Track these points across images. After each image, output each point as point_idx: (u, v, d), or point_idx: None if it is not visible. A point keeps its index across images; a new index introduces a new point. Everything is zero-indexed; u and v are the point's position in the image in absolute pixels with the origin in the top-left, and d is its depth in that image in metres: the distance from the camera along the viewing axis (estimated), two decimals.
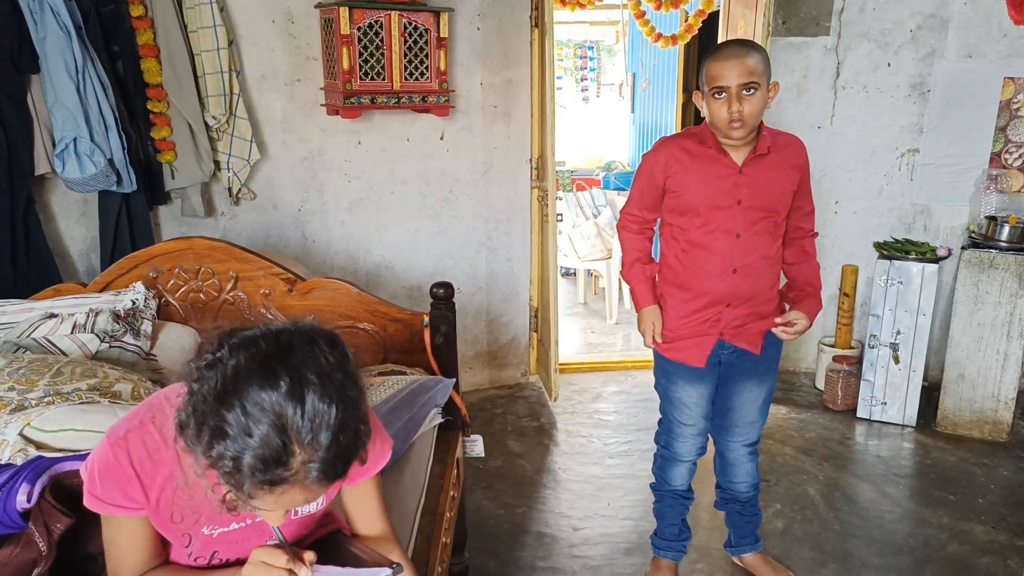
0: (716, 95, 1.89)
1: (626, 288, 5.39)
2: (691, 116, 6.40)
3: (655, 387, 2.29)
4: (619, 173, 6.65)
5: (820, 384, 3.86)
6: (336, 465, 0.96)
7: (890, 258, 3.44)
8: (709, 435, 2.29)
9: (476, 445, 2.40)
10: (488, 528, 2.70)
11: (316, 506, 1.19)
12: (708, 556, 2.53)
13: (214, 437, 0.92)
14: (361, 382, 1.02)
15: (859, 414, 3.55)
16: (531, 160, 3.76)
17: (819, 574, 2.44)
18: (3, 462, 1.37)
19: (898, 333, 3.42)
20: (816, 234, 2.18)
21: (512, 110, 3.67)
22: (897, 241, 3.62)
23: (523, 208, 3.82)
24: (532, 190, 3.80)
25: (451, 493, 2.08)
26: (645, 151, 2.20)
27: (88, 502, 1.09)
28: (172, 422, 1.02)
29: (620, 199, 5.76)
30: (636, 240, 2.19)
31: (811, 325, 2.14)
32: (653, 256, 2.22)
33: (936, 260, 3.40)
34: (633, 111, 7.95)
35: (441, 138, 3.59)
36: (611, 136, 9.51)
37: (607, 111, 10.72)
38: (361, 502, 1.26)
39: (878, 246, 3.58)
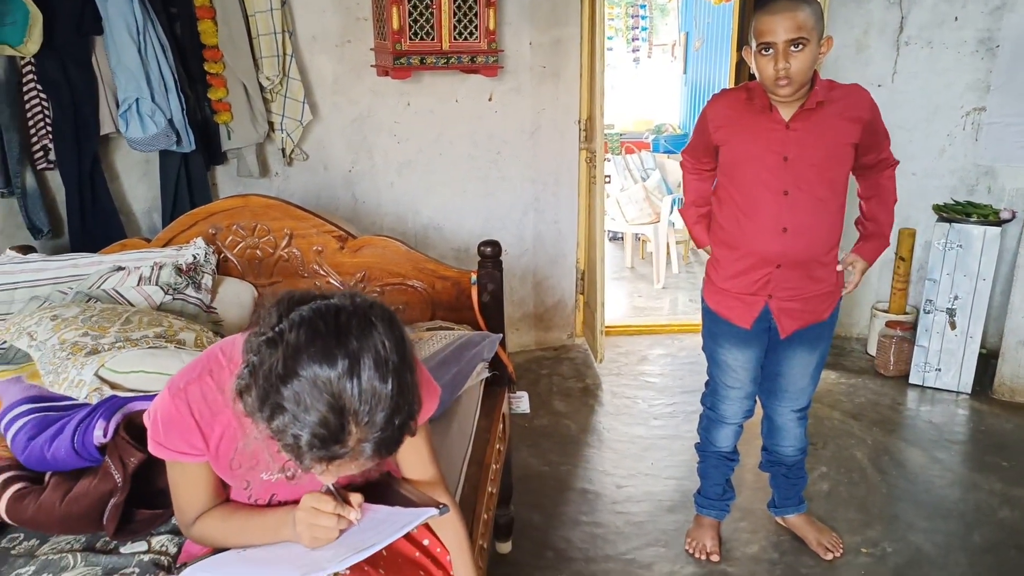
0: (763, 51, 1.85)
1: (674, 253, 5.36)
2: (745, 76, 6.23)
3: (703, 349, 2.29)
4: (669, 136, 6.54)
5: (872, 350, 3.79)
6: (389, 443, 0.99)
7: (950, 221, 3.33)
8: (757, 398, 2.28)
9: (522, 401, 2.44)
10: (533, 484, 2.76)
11: None
12: (751, 515, 2.55)
13: (274, 412, 0.96)
14: (415, 360, 1.04)
15: (911, 380, 3.49)
16: (579, 122, 3.73)
17: (864, 535, 2.43)
18: (81, 400, 1.47)
19: (955, 298, 3.33)
20: (896, 162, 2.12)
21: (561, 71, 3.64)
22: (958, 203, 3.50)
23: (571, 170, 3.80)
24: (580, 152, 3.78)
25: (497, 446, 2.13)
26: (697, 113, 2.18)
27: (152, 448, 1.15)
28: (229, 378, 1.07)
29: (670, 163, 5.68)
30: (691, 181, 2.21)
31: (869, 265, 2.11)
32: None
33: (999, 223, 3.29)
34: (685, 72, 7.78)
35: (489, 99, 3.59)
36: (662, 98, 9.33)
37: (658, 72, 10.51)
38: (410, 448, 1.31)
39: (937, 208, 3.48)
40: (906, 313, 3.71)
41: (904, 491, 2.68)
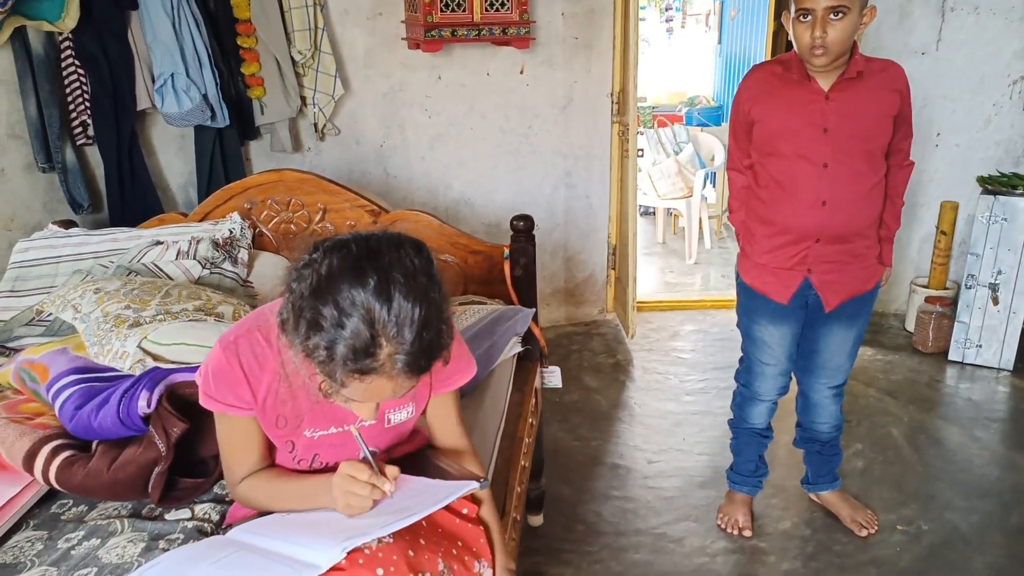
0: (801, 18, 1.79)
1: (707, 227, 5.29)
2: (782, 46, 6.08)
3: (737, 325, 2.26)
4: (703, 108, 6.43)
5: (910, 326, 3.72)
6: (420, 359, 1.02)
7: (995, 193, 3.23)
8: (792, 374, 2.26)
9: (554, 376, 2.45)
10: (563, 458, 2.77)
11: (407, 414, 1.26)
12: (783, 492, 2.53)
13: (310, 329, 1.00)
14: (444, 286, 1.08)
15: (951, 357, 3.42)
16: (612, 94, 3.68)
17: (899, 513, 2.41)
18: (124, 371, 1.51)
19: (999, 273, 3.25)
20: (911, 164, 2.06)
21: (593, 42, 3.59)
22: (1004, 175, 3.39)
23: (603, 144, 3.76)
24: (612, 125, 3.74)
25: (529, 420, 2.14)
26: (731, 84, 2.13)
27: (203, 401, 1.19)
28: (276, 327, 1.11)
29: (703, 136, 5.59)
30: (739, 179, 2.13)
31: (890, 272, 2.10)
32: None
33: None
34: (720, 42, 7.61)
35: (521, 72, 3.55)
36: (695, 70, 9.15)
37: (692, 43, 10.31)
38: (442, 416, 1.33)
39: (982, 180, 3.38)
40: (946, 288, 3.63)
41: (941, 470, 2.64)
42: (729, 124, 2.16)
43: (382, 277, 0.99)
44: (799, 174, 1.94)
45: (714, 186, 5.60)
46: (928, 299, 3.57)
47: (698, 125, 6.15)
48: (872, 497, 2.48)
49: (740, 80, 2.09)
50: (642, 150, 4.01)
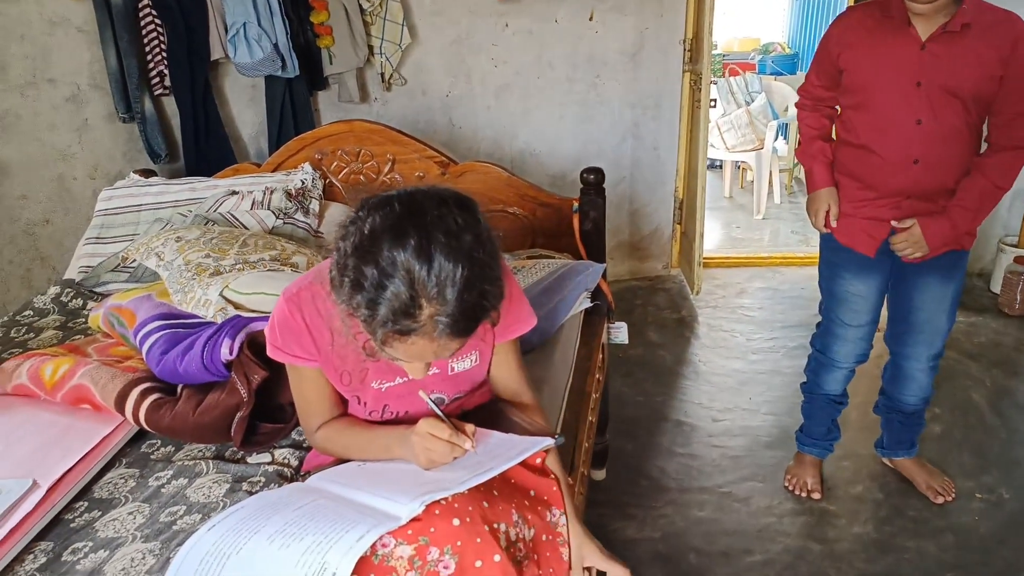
0: None
1: (777, 182, 5.11)
2: None
3: (819, 284, 2.17)
4: (777, 56, 6.15)
5: (996, 287, 3.54)
6: (461, 321, 1.00)
7: None
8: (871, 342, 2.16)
9: (620, 332, 2.42)
10: (627, 413, 2.76)
11: (470, 363, 1.25)
12: (855, 455, 2.47)
13: (353, 288, 0.99)
14: (494, 244, 1.04)
15: None
16: (684, 41, 3.54)
17: (979, 480, 2.32)
18: (207, 319, 1.55)
19: None
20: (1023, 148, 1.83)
21: None
22: None
23: (673, 93, 3.64)
24: (684, 74, 3.61)
25: (596, 376, 2.13)
26: (808, 30, 2.01)
27: (270, 352, 1.21)
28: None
29: (777, 85, 5.36)
30: (812, 117, 2.03)
31: (927, 250, 1.87)
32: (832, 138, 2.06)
33: None
34: None
35: (590, 18, 3.44)
36: (769, 15, 8.72)
37: None
38: (503, 367, 1.31)
39: None
40: None
41: None
42: (812, 64, 2.04)
43: (423, 236, 0.96)
44: (889, 130, 1.83)
45: (786, 139, 5.38)
46: (1017, 259, 3.38)
47: (772, 74, 5.90)
48: (950, 463, 2.40)
49: (830, 22, 1.97)
50: (714, 100, 3.88)
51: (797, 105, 2.10)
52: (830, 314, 2.14)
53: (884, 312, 2.14)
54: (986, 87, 1.75)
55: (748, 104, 5.17)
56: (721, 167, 5.53)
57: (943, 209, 1.87)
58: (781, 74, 5.87)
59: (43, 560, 1.17)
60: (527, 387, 1.33)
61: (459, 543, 0.99)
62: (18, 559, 1.18)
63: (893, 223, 1.90)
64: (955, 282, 2.00)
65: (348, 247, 1.00)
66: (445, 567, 0.98)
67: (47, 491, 1.26)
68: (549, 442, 1.15)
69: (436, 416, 1.14)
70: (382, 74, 3.36)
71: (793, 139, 5.22)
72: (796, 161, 5.54)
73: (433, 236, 0.97)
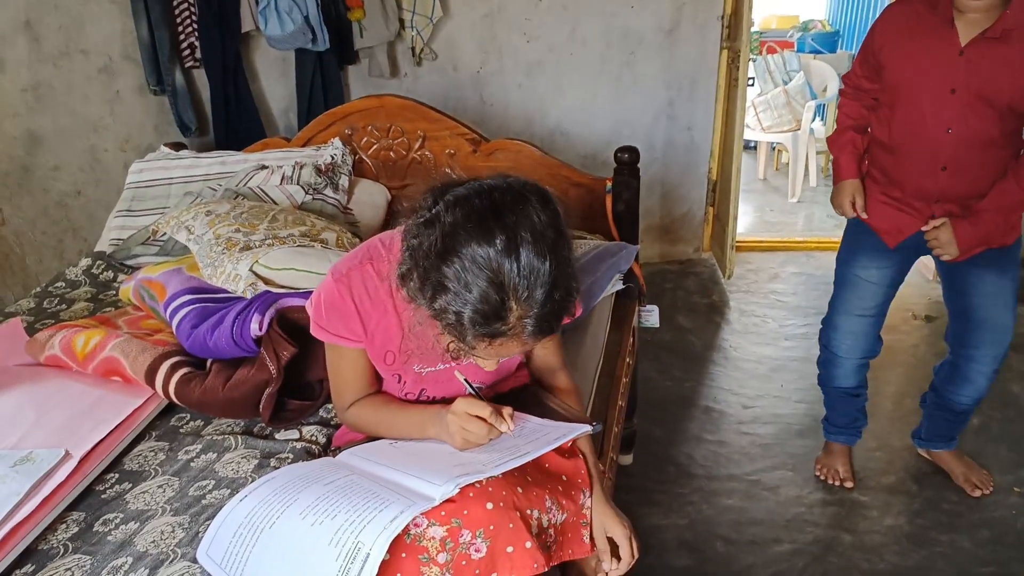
0: None
1: (813, 164, 4.99)
2: None
3: (835, 268, 2.13)
4: (817, 34, 5.96)
5: None
6: (550, 320, 0.98)
7: None
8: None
9: (652, 315, 2.38)
10: (655, 398, 2.73)
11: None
12: (888, 445, 2.42)
13: (436, 292, 0.96)
14: (571, 239, 1.02)
15: None
16: (722, 17, 3.45)
17: (1017, 475, 2.26)
18: (237, 293, 1.54)
19: None
20: None
21: None
22: None
23: (710, 72, 3.55)
24: (721, 52, 3.51)
25: (627, 360, 2.10)
26: (849, 7, 1.93)
27: (314, 331, 1.19)
28: (389, 267, 1.10)
29: (816, 64, 5.21)
30: (850, 105, 1.97)
31: (957, 252, 1.81)
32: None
33: None
34: None
35: None
36: None
37: None
38: (546, 353, 1.29)
39: None
40: None
41: None
42: (859, 48, 1.98)
43: (510, 236, 0.93)
44: (919, 134, 1.78)
45: (823, 120, 5.25)
46: None
47: (811, 52, 5.73)
48: (988, 456, 2.34)
49: (873, 10, 1.89)
50: (752, 79, 3.78)
51: (840, 92, 2.04)
52: (835, 303, 2.11)
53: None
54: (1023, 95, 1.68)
55: (785, 83, 5.04)
56: (756, 148, 5.42)
57: (975, 212, 1.81)
58: (820, 52, 5.71)
59: (75, 530, 1.18)
60: (564, 369, 1.31)
61: (492, 527, 0.97)
62: (51, 528, 1.18)
63: (923, 228, 1.86)
64: (1010, 273, 1.92)
65: (427, 247, 0.97)
66: (477, 550, 0.96)
67: (79, 462, 1.27)
68: (587, 429, 1.13)
69: (474, 396, 1.12)
70: (413, 48, 3.32)
71: (831, 121, 5.09)
72: None
73: (520, 236, 0.94)
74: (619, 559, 1.12)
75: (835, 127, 2.05)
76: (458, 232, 0.95)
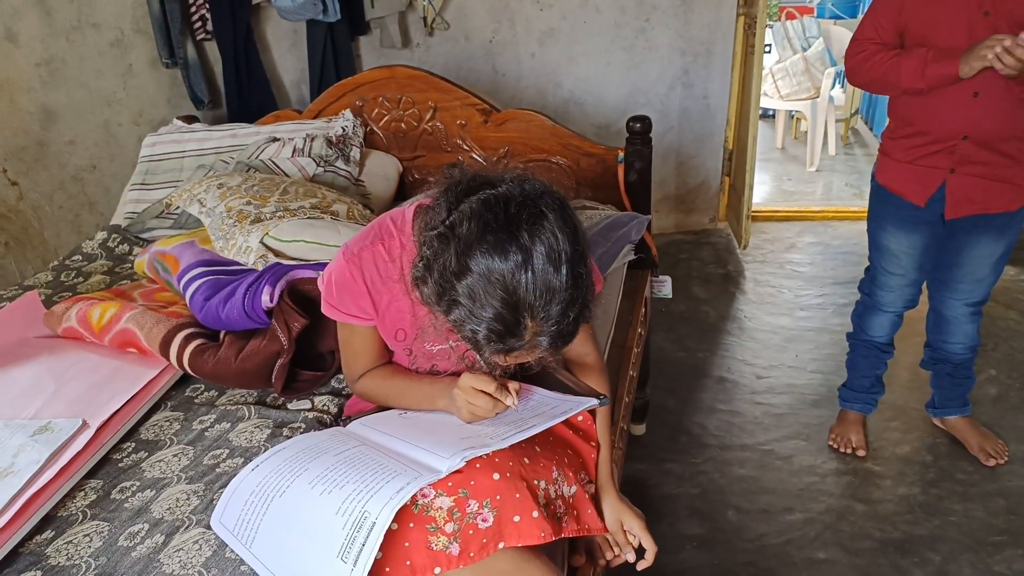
0: None
1: (832, 133, 4.90)
2: None
3: (867, 230, 2.10)
4: None
5: None
6: (565, 335, 0.98)
7: None
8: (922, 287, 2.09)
9: (664, 286, 2.38)
10: (669, 369, 2.73)
11: None
12: (904, 415, 2.41)
13: (451, 307, 0.97)
14: (587, 249, 1.00)
15: None
16: None
17: None
18: (248, 265, 1.55)
19: None
20: None
21: None
22: None
23: (726, 38, 3.49)
24: (738, 18, 3.44)
25: (639, 330, 2.10)
26: None
27: (325, 310, 1.20)
28: (399, 247, 1.12)
29: (837, 29, 5.10)
30: (876, 54, 1.81)
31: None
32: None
33: None
34: None
35: None
36: None
37: None
38: (578, 342, 1.27)
39: None
40: None
41: None
42: (864, 20, 1.89)
43: (525, 255, 0.92)
44: (954, 64, 1.71)
45: (843, 87, 5.15)
46: None
47: (831, 18, 5.61)
48: (1005, 427, 2.32)
49: None
50: (769, 46, 3.71)
51: (850, 67, 1.92)
52: (875, 263, 2.09)
53: None
54: None
55: (804, 50, 4.94)
56: (774, 116, 5.34)
57: (1008, 164, 1.78)
58: (841, 18, 5.58)
59: (93, 497, 1.21)
60: (593, 347, 1.29)
61: (498, 497, 0.98)
62: (70, 495, 1.21)
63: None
64: (1007, 240, 1.93)
65: (441, 263, 0.97)
66: (484, 520, 0.97)
67: (96, 431, 1.29)
68: (594, 402, 1.13)
69: (481, 371, 1.12)
70: (424, 18, 3.28)
71: (851, 88, 4.99)
72: (854, 111, 5.31)
73: (534, 252, 0.93)
74: (635, 552, 1.16)
75: (875, 76, 1.84)
76: (472, 249, 0.94)
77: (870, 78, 1.87)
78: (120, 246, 2.10)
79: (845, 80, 5.16)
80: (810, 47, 4.95)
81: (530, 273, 0.93)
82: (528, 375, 1.19)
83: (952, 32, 1.71)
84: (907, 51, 1.78)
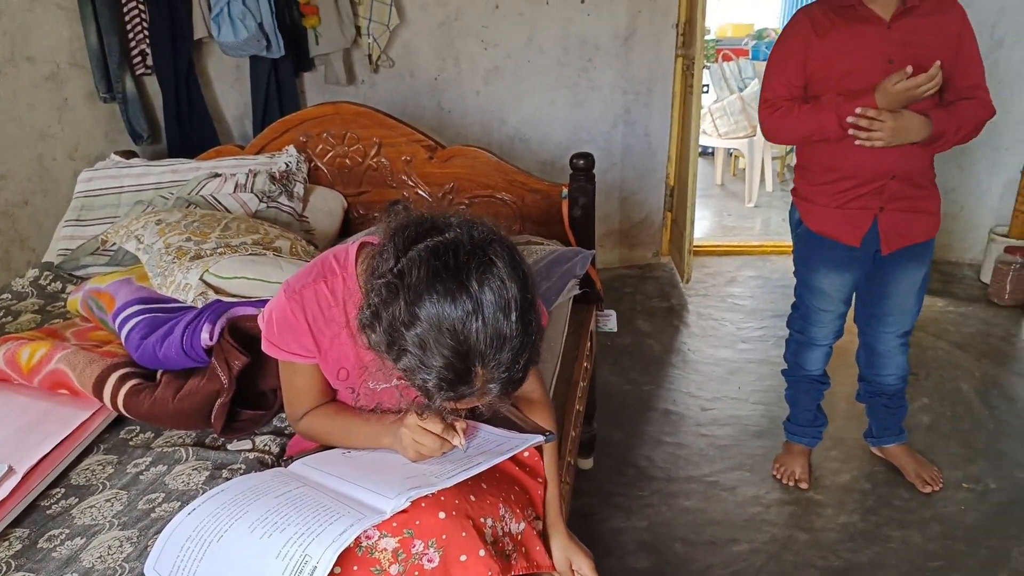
0: None
1: (769, 170, 5.08)
2: None
3: (794, 273, 2.17)
4: (770, 42, 6.11)
5: (986, 277, 3.54)
6: (516, 381, 0.98)
7: None
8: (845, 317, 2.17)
9: (609, 320, 2.40)
10: (615, 402, 2.75)
11: None
12: (843, 444, 2.47)
13: (400, 355, 0.95)
14: (535, 285, 1.00)
15: None
16: (677, 25, 3.51)
17: (966, 471, 2.32)
18: (187, 303, 1.51)
19: None
20: (993, 112, 1.84)
21: None
22: None
23: (665, 78, 3.61)
24: (676, 59, 3.57)
25: (585, 364, 2.11)
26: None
27: (266, 348, 1.17)
28: (341, 285, 1.11)
29: None
30: (793, 110, 1.88)
31: (889, 134, 1.73)
32: None
33: None
34: None
35: (582, 0, 3.40)
36: (763, 0, 8.68)
37: None
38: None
39: None
40: None
41: (1013, 427, 2.54)
42: (768, 77, 1.93)
43: (475, 304, 0.92)
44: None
45: None
46: (1008, 249, 3.38)
47: (765, 60, 5.86)
48: (938, 453, 2.41)
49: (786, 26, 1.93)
50: (707, 86, 3.85)
51: (768, 122, 1.95)
52: (805, 301, 2.16)
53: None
54: (950, 60, 1.77)
55: (741, 90, 5.15)
56: (713, 154, 5.51)
57: (926, 196, 1.90)
58: None
59: (19, 547, 1.14)
60: (539, 383, 1.29)
61: (444, 536, 0.97)
62: None
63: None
64: (925, 269, 2.04)
65: (391, 309, 0.95)
66: (429, 560, 0.96)
67: (23, 477, 1.23)
68: (540, 439, 1.13)
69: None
70: (369, 56, 3.31)
71: None
72: (789, 148, 5.52)
73: (483, 300, 0.92)
74: None
75: (792, 131, 1.92)
76: (421, 298, 0.92)
77: (798, 135, 1.91)
78: (52, 284, 2.03)
79: None
80: (746, 87, 5.15)
81: (480, 322, 0.92)
82: (473, 410, 1.19)
83: (858, 80, 1.80)
84: (820, 102, 1.84)
